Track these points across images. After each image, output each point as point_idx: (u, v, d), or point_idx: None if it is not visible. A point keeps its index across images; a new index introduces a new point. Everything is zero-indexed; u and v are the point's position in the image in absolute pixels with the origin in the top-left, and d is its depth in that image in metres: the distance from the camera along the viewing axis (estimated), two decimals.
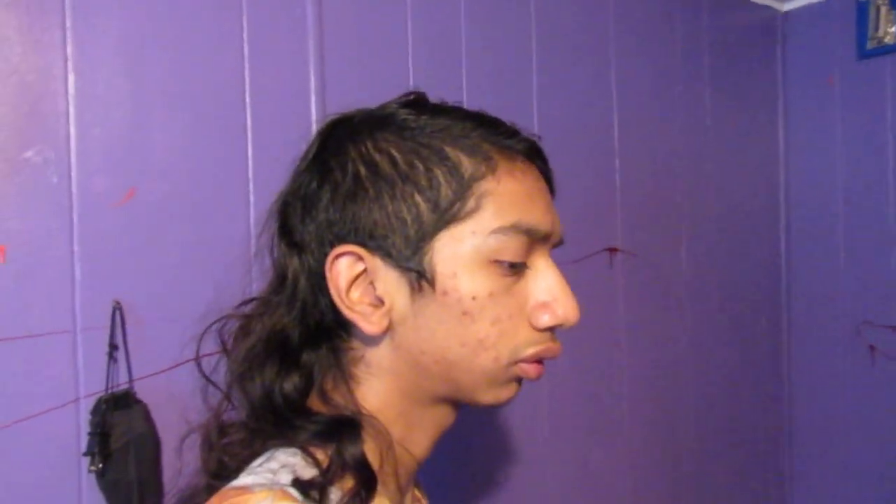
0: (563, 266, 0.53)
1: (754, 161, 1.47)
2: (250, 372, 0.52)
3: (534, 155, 0.54)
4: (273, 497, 0.43)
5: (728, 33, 1.41)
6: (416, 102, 0.55)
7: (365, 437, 0.50)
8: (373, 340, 0.52)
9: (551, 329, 0.52)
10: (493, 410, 1.03)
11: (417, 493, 0.62)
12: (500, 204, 0.49)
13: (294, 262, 0.52)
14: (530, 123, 1.07)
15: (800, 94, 1.49)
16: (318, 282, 0.51)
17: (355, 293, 0.50)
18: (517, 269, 0.51)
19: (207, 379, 0.56)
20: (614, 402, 1.21)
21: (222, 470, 0.51)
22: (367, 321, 0.50)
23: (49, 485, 0.70)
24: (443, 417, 0.55)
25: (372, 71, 0.92)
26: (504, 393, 0.53)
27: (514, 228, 0.49)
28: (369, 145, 0.51)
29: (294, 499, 0.43)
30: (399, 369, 0.52)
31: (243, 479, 0.46)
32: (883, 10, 1.34)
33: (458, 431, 0.57)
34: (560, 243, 0.55)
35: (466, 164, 0.50)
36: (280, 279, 0.54)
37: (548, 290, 0.52)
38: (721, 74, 1.39)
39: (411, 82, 0.95)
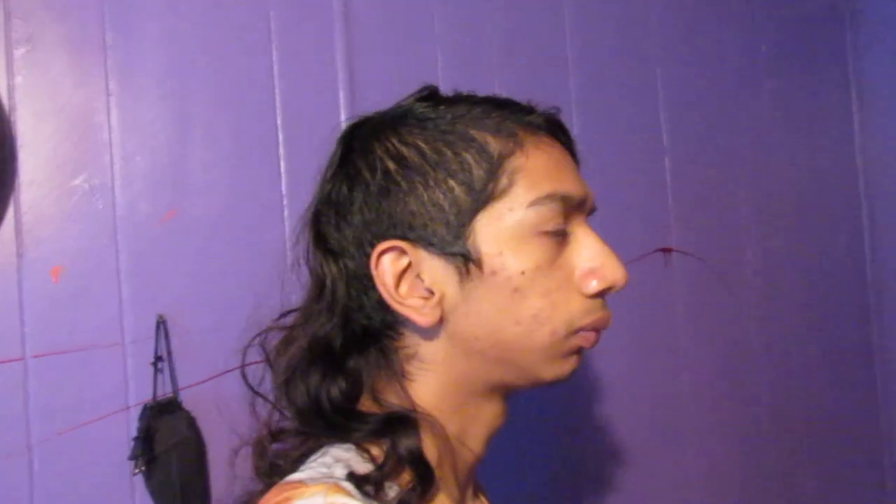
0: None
1: (827, 149, 1.38)
2: (294, 381, 0.53)
3: (555, 127, 0.55)
4: (326, 491, 0.43)
5: (789, 14, 1.34)
6: (431, 95, 0.56)
7: (421, 433, 0.50)
8: (425, 334, 0.52)
9: (601, 295, 0.53)
10: (549, 408, 1.00)
11: (481, 497, 0.62)
12: (533, 177, 0.51)
13: (332, 269, 0.53)
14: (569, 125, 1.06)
15: (873, 73, 1.39)
16: (361, 285, 0.52)
17: (403, 288, 0.51)
18: (559, 237, 0.51)
19: (253, 390, 0.57)
20: (680, 409, 1.15)
21: (277, 471, 0.52)
22: (419, 314, 0.50)
23: (103, 488, 0.75)
24: (497, 410, 0.55)
25: (402, 77, 0.94)
26: (566, 366, 0.53)
27: (550, 198, 0.50)
28: (394, 140, 0.52)
29: (347, 493, 0.43)
30: (454, 360, 0.52)
31: (298, 474, 0.47)
32: None
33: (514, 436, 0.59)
34: (594, 210, 0.56)
35: (493, 144, 0.51)
36: (319, 288, 0.54)
37: (592, 255, 0.52)
38: (783, 59, 1.32)
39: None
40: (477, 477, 0.61)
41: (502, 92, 0.99)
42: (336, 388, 0.52)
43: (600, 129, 1.10)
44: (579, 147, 0.58)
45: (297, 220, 0.85)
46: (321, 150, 0.57)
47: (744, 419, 1.23)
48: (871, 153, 1.40)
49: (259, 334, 0.57)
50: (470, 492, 0.58)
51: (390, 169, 0.51)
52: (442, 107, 0.53)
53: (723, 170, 1.24)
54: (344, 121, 0.89)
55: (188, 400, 0.79)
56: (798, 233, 1.32)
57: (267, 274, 0.80)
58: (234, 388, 0.72)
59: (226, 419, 0.72)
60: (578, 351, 0.53)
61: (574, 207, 0.52)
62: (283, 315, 0.58)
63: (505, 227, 0.50)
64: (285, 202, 0.86)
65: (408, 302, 0.50)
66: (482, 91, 0.57)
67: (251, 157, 0.84)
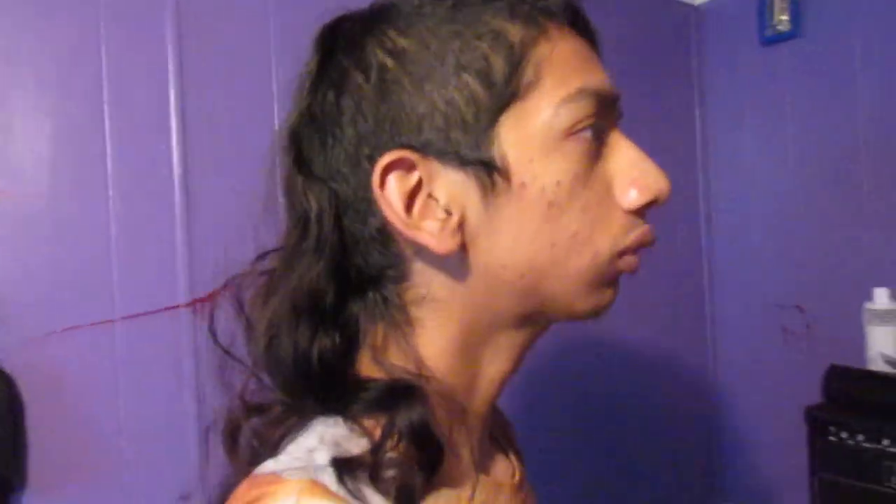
0: None
1: (670, 150, 1.48)
2: (276, 339, 0.43)
3: (577, 15, 0.46)
4: (300, 491, 0.36)
5: (640, 32, 1.44)
6: None
7: (430, 401, 0.42)
8: (442, 268, 0.43)
9: (644, 209, 0.45)
10: None
11: (506, 438, 0.55)
12: (562, 70, 0.42)
13: (320, 198, 0.43)
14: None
15: (713, 84, 1.51)
16: (356, 213, 0.43)
17: (415, 210, 0.42)
18: (595, 142, 0.43)
19: (225, 350, 0.47)
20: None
21: (254, 457, 0.42)
22: (437, 240, 0.41)
23: None
24: (518, 349, 0.47)
25: (232, 59, 0.92)
26: (605, 297, 0.46)
27: (583, 94, 0.42)
28: (390, 33, 0.43)
29: (324, 490, 0.36)
30: (475, 297, 0.44)
31: (272, 463, 0.39)
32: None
33: None
34: (622, 115, 0.48)
35: (512, 31, 0.42)
36: (302, 224, 0.43)
37: (631, 163, 0.45)
38: (634, 73, 1.41)
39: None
40: (499, 416, 0.54)
41: None
42: (329, 346, 0.43)
43: None
44: None
45: (122, 198, 0.85)
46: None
47: (576, 415, 1.30)
48: (712, 156, 1.52)
49: (231, 279, 0.47)
50: (486, 449, 0.50)
51: (388, 65, 0.42)
52: None
53: None
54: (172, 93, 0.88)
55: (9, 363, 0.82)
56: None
57: (91, 250, 0.85)
58: (59, 352, 0.77)
59: (49, 382, 0.75)
60: (618, 279, 0.46)
61: (607, 107, 0.44)
62: (260, 257, 0.47)
63: (534, 130, 0.41)
64: (110, 181, 0.90)
65: (422, 226, 0.42)
66: None
67: (76, 137, 0.88)
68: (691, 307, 1.51)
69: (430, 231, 0.42)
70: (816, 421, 1.06)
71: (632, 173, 0.45)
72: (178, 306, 0.87)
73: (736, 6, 1.46)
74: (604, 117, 0.44)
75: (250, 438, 0.44)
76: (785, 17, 1.36)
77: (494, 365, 0.47)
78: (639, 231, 0.45)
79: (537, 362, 0.58)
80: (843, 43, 1.27)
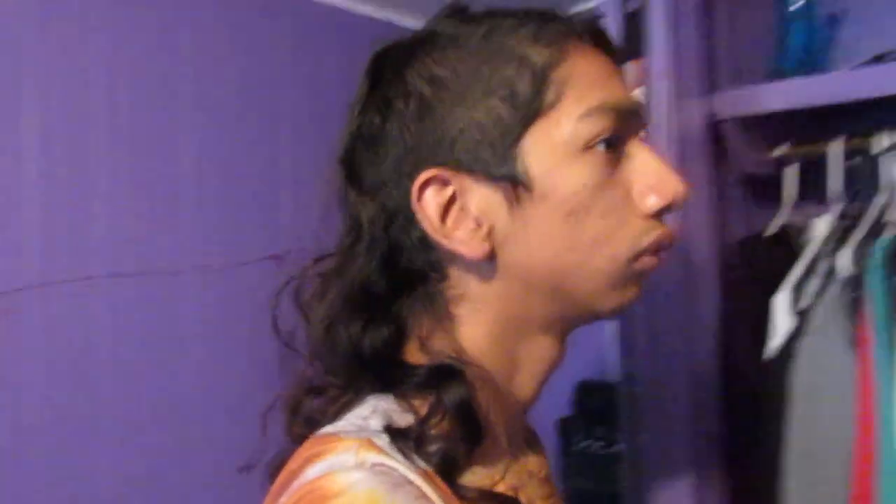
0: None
1: None
2: (333, 330, 0.48)
3: (598, 34, 0.50)
4: (358, 448, 0.40)
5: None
6: (458, 11, 0.51)
7: (471, 383, 0.45)
8: (475, 271, 0.48)
9: (662, 213, 0.49)
10: None
11: (535, 445, 0.57)
12: (581, 88, 0.46)
13: (369, 208, 0.48)
14: None
15: None
16: (401, 223, 0.48)
17: (449, 220, 0.47)
18: (614, 153, 0.47)
19: (287, 345, 0.51)
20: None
21: (313, 425, 0.47)
22: (468, 247, 0.46)
23: None
24: (553, 351, 0.51)
25: None
26: (627, 296, 0.49)
27: (601, 109, 0.46)
28: (427, 62, 0.48)
29: (380, 449, 0.40)
30: (507, 297, 0.48)
31: (332, 427, 0.44)
32: None
33: None
34: (645, 126, 0.52)
35: (535, 55, 0.46)
36: (355, 230, 0.49)
37: (649, 171, 0.48)
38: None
39: None
40: (531, 424, 0.57)
41: None
42: (380, 336, 0.47)
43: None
44: None
45: None
46: None
47: None
48: None
49: (290, 280, 0.52)
50: (520, 439, 0.53)
51: (425, 93, 0.47)
52: (473, 22, 0.49)
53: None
54: None
55: None
56: None
57: None
58: None
59: None
60: (640, 278, 0.49)
61: (626, 120, 0.48)
62: (318, 260, 0.52)
63: (555, 144, 0.46)
64: None
65: (455, 235, 0.46)
66: None
67: None
68: None
69: (461, 239, 0.46)
70: (564, 432, 1.15)
71: (649, 179, 0.48)
72: None
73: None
74: (624, 128, 0.48)
75: (309, 415, 0.49)
76: None
77: (532, 359, 0.50)
78: (657, 233, 0.48)
79: None
80: None
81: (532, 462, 0.54)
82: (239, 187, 1.16)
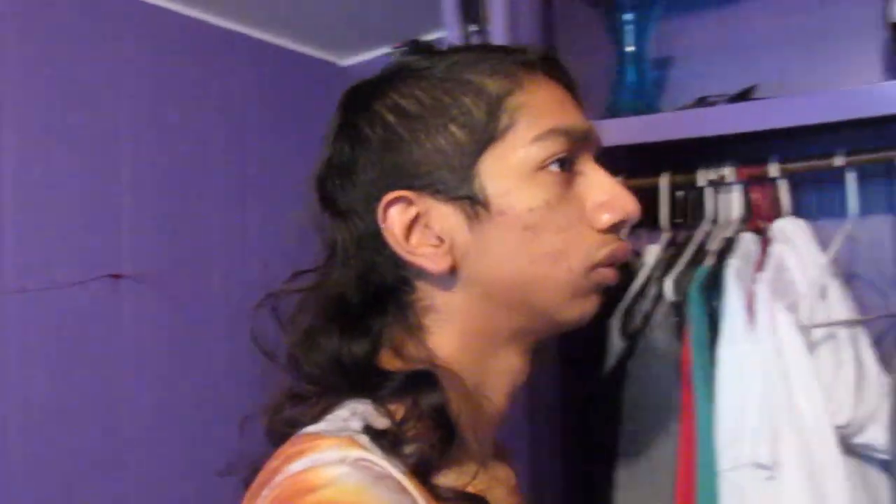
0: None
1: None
2: (313, 342, 0.51)
3: (552, 65, 0.54)
4: (340, 444, 0.42)
5: (285, 87, 1.45)
6: (420, 48, 0.55)
7: (444, 390, 0.48)
8: (441, 284, 0.52)
9: (615, 229, 0.52)
10: None
11: (505, 458, 0.60)
12: (534, 114, 0.50)
13: (343, 230, 0.52)
14: None
15: None
16: (372, 242, 0.51)
17: (413, 238, 0.50)
18: (567, 173, 0.51)
19: (268, 355, 0.54)
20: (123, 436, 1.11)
21: (295, 425, 0.48)
22: (431, 262, 0.50)
23: None
24: (519, 362, 0.54)
25: None
26: (588, 305, 0.53)
27: (553, 132, 0.50)
28: (392, 95, 0.52)
29: (362, 446, 0.43)
30: (472, 308, 0.52)
31: (315, 426, 0.46)
32: None
33: None
34: (600, 148, 0.55)
35: (491, 85, 0.51)
36: (331, 251, 0.54)
37: (602, 189, 0.52)
38: (280, 127, 1.42)
39: None
40: (502, 438, 0.59)
41: None
42: (357, 346, 0.51)
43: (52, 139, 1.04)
44: None
45: None
46: None
47: (207, 448, 1.24)
48: None
49: (269, 295, 0.55)
50: (490, 450, 0.56)
51: (391, 122, 0.51)
52: (436, 57, 0.53)
53: (192, 201, 1.26)
54: None
55: None
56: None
57: None
58: None
59: None
60: (598, 289, 0.53)
61: (579, 142, 0.52)
62: (294, 276, 0.56)
63: (510, 166, 0.49)
64: None
65: (419, 251, 0.50)
66: None
67: None
68: None
69: (425, 255, 0.50)
70: None
71: (602, 197, 0.52)
72: None
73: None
74: (576, 150, 0.52)
75: (290, 418, 0.51)
76: None
77: (498, 370, 0.53)
78: (612, 247, 0.52)
79: None
80: None
81: (500, 471, 0.57)
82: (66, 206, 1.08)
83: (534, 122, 0.50)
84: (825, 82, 0.89)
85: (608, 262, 0.53)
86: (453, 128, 0.50)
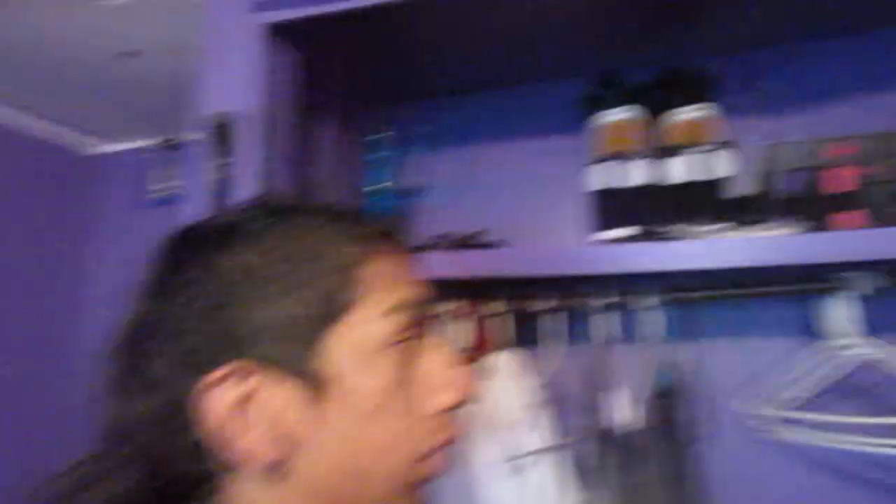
0: None
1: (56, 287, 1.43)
2: None
3: (395, 234, 0.51)
4: None
5: (31, 175, 1.40)
6: (262, 204, 0.49)
7: None
8: (258, 480, 0.44)
9: (450, 409, 0.48)
10: None
11: None
12: (384, 285, 0.46)
13: (141, 407, 0.43)
14: None
15: (108, 230, 1.51)
16: (177, 423, 0.43)
17: (240, 420, 0.43)
18: (412, 349, 0.47)
19: None
20: None
21: None
22: (256, 451, 0.42)
23: None
24: None
25: None
26: (416, 499, 0.48)
27: (404, 305, 0.46)
28: (235, 249, 0.45)
29: None
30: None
31: None
32: (167, 163, 1.48)
33: None
34: (436, 315, 0.53)
35: (341, 255, 0.46)
36: (118, 434, 0.44)
37: (442, 366, 0.49)
38: (27, 215, 1.36)
39: None
40: None
41: None
42: None
43: None
44: None
45: None
46: None
47: None
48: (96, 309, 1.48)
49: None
50: None
51: (232, 280, 0.44)
52: (278, 216, 0.47)
53: None
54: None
55: None
56: None
57: None
58: None
59: None
60: (423, 482, 0.48)
61: (423, 312, 0.49)
62: (58, 476, 0.45)
63: (359, 341, 0.44)
64: None
65: (244, 438, 0.43)
66: None
67: None
68: None
69: (251, 442, 0.43)
70: None
71: (442, 376, 0.48)
72: None
73: (130, 165, 1.52)
74: (421, 322, 0.48)
75: None
76: (176, 183, 1.46)
77: None
78: (440, 437, 0.48)
79: None
80: None
81: None
82: None
83: (384, 295, 0.46)
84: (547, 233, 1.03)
85: (439, 450, 0.49)
86: (298, 297, 0.44)
